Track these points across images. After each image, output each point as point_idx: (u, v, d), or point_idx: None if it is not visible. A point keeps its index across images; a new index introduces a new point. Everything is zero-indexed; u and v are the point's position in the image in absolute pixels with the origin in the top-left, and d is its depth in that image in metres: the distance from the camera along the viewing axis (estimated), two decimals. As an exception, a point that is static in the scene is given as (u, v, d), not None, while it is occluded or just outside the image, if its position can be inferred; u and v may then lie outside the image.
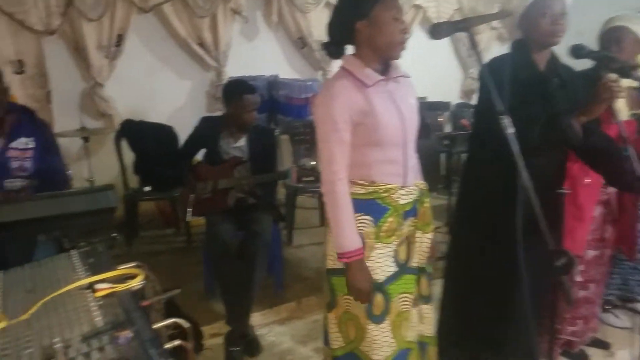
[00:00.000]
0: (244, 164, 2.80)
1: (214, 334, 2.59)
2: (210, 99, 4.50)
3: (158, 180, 3.57)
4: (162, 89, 4.24)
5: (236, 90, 2.72)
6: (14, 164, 2.11)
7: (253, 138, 2.81)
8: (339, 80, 1.51)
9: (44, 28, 3.75)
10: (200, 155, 3.03)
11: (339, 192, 1.48)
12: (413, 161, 1.60)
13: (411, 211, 1.60)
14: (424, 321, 1.71)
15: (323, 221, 4.11)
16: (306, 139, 3.88)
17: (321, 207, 4.14)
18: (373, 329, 1.56)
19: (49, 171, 2.20)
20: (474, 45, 1.40)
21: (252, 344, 2.53)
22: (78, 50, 3.94)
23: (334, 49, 1.58)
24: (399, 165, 1.55)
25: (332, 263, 1.59)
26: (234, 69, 4.32)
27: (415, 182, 1.62)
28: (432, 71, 4.95)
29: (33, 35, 3.76)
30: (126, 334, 0.97)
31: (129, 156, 3.80)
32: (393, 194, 1.54)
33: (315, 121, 1.53)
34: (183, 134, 3.52)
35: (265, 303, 2.83)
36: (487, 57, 1.70)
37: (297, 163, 3.72)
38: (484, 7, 6.03)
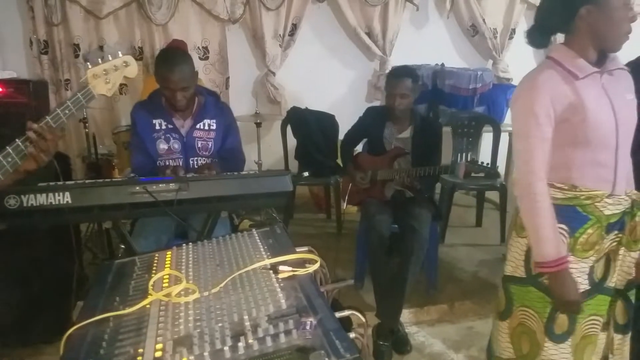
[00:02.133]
0: (405, 156, 2.72)
1: (360, 324, 2.56)
2: (371, 89, 4.50)
3: (315, 166, 3.67)
4: (326, 78, 4.35)
5: (393, 74, 2.65)
6: (199, 144, 2.27)
7: (418, 129, 2.70)
8: (545, 70, 1.36)
9: (228, 17, 4.10)
10: (359, 147, 3.04)
11: (539, 194, 1.33)
12: (626, 166, 1.39)
13: (617, 224, 1.39)
14: (614, 352, 1.49)
15: (480, 221, 3.87)
16: (470, 132, 3.63)
17: (479, 206, 3.89)
18: (550, 348, 1.42)
19: (228, 152, 2.34)
20: None
21: (401, 341, 2.46)
22: (256, 39, 4.23)
23: (540, 36, 1.43)
24: (609, 169, 1.35)
25: (512, 270, 1.49)
26: (398, 58, 4.24)
27: (627, 190, 1.40)
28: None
29: (218, 24, 4.14)
30: (311, 320, 0.95)
31: (291, 142, 3.97)
32: (598, 202, 1.35)
33: (513, 115, 1.40)
34: (343, 122, 3.58)
35: (416, 301, 2.73)
36: None
37: (459, 157, 3.52)
38: None
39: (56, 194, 1.49)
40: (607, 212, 1.36)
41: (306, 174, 3.67)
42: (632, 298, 1.49)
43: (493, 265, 3.18)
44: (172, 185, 1.59)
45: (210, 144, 2.29)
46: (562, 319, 1.41)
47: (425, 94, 4.08)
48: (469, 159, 3.16)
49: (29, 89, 2.48)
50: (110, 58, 1.24)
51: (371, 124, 2.79)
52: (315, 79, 4.32)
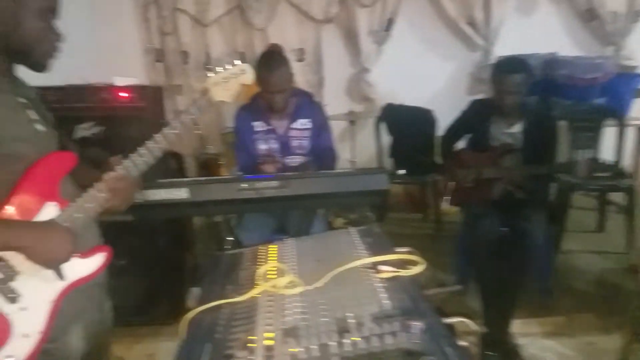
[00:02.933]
0: (514, 153, 2.49)
1: (468, 332, 2.39)
2: (473, 82, 4.24)
3: (411, 164, 3.54)
4: (423, 72, 4.17)
5: (501, 68, 2.44)
6: (294, 143, 2.34)
7: (530, 124, 2.47)
8: None
9: (323, 17, 4.11)
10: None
11: None
12: None
13: None
14: None
15: (602, 226, 3.47)
16: (589, 127, 3.27)
17: (601, 209, 3.49)
18: None
19: (322, 149, 2.38)
20: None
21: (511, 353, 2.27)
22: (350, 37, 4.19)
23: None
24: None
25: None
26: (503, 48, 3.93)
27: None
28: None
29: (313, 24, 4.16)
30: (418, 324, 0.89)
31: (385, 139, 3.87)
32: None
33: None
34: (441, 118, 3.40)
35: (528, 311, 2.49)
36: None
37: (578, 154, 3.18)
38: None
39: (175, 190, 1.64)
40: None
41: (402, 171, 3.56)
42: None
43: (619, 276, 2.84)
44: (273, 183, 1.68)
45: (305, 142, 2.35)
46: None
47: (536, 86, 3.74)
48: (589, 156, 2.84)
49: (148, 94, 2.65)
50: (227, 67, 1.31)
51: (476, 118, 2.61)
52: (411, 74, 4.15)
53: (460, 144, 2.84)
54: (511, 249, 2.35)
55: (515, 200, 2.50)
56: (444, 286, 1.31)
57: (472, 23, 4.07)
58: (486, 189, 2.53)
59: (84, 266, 1.15)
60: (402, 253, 1.25)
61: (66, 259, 1.07)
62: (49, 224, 1.08)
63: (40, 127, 1.17)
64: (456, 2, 4.04)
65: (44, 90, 1.26)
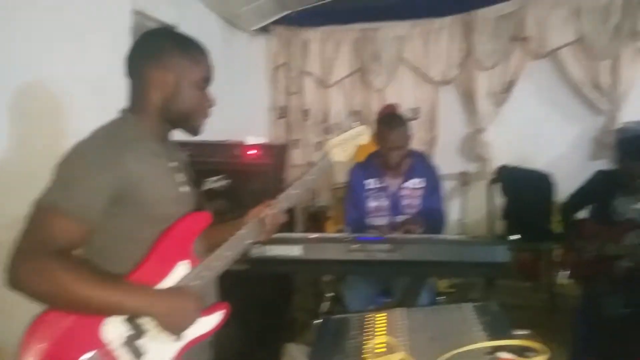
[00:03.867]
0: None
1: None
2: (597, 146, 3.99)
3: (525, 229, 3.40)
4: (544, 134, 4.05)
5: (627, 140, 2.35)
6: (405, 201, 2.38)
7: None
8: None
9: (441, 79, 4.22)
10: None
11: None
12: None
13: None
14: None
15: None
16: None
17: None
18: None
19: (431, 210, 2.38)
20: None
21: None
22: (467, 97, 4.24)
23: None
24: None
25: None
26: (632, 112, 3.71)
27: None
28: None
29: (431, 85, 4.29)
30: None
31: (498, 202, 3.77)
32: None
33: None
34: (562, 182, 3.26)
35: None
36: None
37: None
38: None
39: (290, 246, 1.69)
40: None
41: (516, 236, 3.44)
42: None
43: None
44: (385, 246, 1.68)
45: (415, 201, 2.37)
46: None
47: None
48: None
49: (274, 151, 2.86)
50: (347, 130, 1.37)
51: (600, 189, 2.50)
52: (531, 136, 4.06)
53: (582, 214, 2.72)
54: (635, 331, 2.18)
55: (640, 281, 2.32)
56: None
57: (597, 87, 3.90)
58: (608, 264, 2.38)
59: (205, 324, 1.18)
60: (523, 338, 1.16)
61: (192, 325, 1.13)
62: (179, 292, 1.12)
63: (185, 188, 1.25)
64: (582, 67, 3.91)
65: (181, 145, 1.33)
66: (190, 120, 1.21)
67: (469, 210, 3.89)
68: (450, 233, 2.61)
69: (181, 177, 1.26)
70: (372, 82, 4.34)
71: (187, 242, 1.18)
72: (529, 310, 3.34)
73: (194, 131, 1.23)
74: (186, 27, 1.30)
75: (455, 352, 1.12)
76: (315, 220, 3.75)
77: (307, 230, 3.80)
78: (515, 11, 3.98)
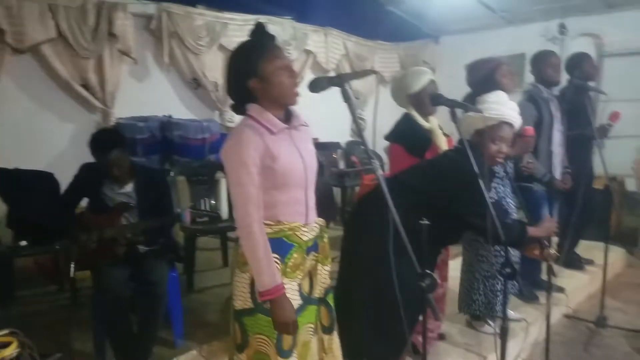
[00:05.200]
0: (131, 210, 2.65)
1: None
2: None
3: (36, 232, 3.25)
4: (41, 133, 3.94)
5: (100, 146, 2.56)
6: None
7: (141, 182, 2.67)
8: (247, 127, 1.57)
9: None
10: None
11: (258, 232, 1.53)
12: (313, 201, 1.71)
13: (313, 246, 1.69)
14: (326, 351, 1.77)
15: (226, 261, 4.02)
16: (204, 180, 3.80)
17: (224, 248, 4.04)
18: (283, 364, 1.59)
19: None
20: (347, 98, 1.56)
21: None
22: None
23: (238, 107, 1.65)
24: (302, 205, 1.64)
25: (242, 304, 1.62)
26: (123, 110, 4.16)
27: (316, 219, 1.72)
28: (323, 113, 5.22)
29: None
30: None
31: (1, 208, 3.41)
32: (297, 231, 1.62)
33: (227, 168, 1.55)
34: (66, 180, 3.26)
35: (166, 357, 2.64)
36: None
37: (195, 204, 3.62)
38: (367, 53, 6.59)
39: None
40: (305, 239, 1.64)
41: (24, 242, 3.21)
42: (331, 302, 1.80)
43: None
44: None
45: None
46: (287, 336, 1.60)
47: (157, 145, 4.09)
48: (198, 206, 3.29)
49: None
50: None
51: (88, 181, 2.64)
52: (27, 135, 3.86)
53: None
54: (140, 301, 2.46)
55: (141, 254, 2.64)
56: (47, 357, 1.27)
57: (86, 85, 4.11)
58: (110, 248, 2.57)
59: None
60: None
61: None
62: None
63: None
64: (67, 64, 3.99)
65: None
66: None
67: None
68: None
69: None
70: None
71: None
72: (55, 313, 3.26)
73: None
74: None
75: None
76: None
77: None
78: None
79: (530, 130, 2.71)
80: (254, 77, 1.55)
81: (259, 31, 1.62)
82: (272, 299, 1.52)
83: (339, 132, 5.97)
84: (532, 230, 2.18)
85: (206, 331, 2.95)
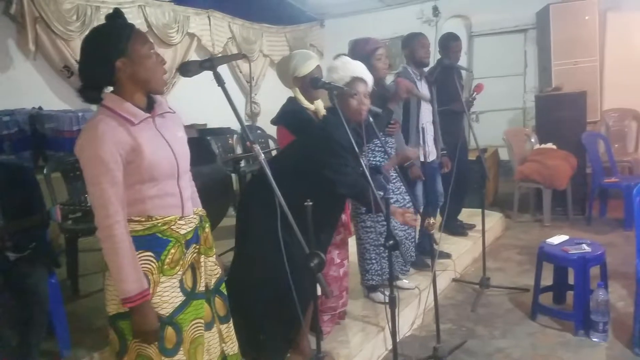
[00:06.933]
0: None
1: None
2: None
3: None
4: None
5: None
6: None
7: (2, 180, 2.41)
8: (102, 119, 1.43)
9: None
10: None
11: (118, 236, 1.41)
12: (189, 191, 1.63)
13: (193, 239, 1.61)
14: (225, 340, 1.73)
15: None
16: (82, 175, 3.49)
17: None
18: (168, 363, 1.53)
19: None
20: (220, 81, 1.53)
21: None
22: None
23: (92, 93, 1.50)
24: (176, 197, 1.56)
25: (117, 308, 1.51)
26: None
27: (195, 210, 1.64)
28: (214, 98, 5.06)
29: None
30: None
31: None
32: (173, 225, 1.54)
33: (82, 164, 1.43)
34: None
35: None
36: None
37: (73, 201, 3.32)
38: (254, 36, 6.54)
39: None
40: (182, 232, 1.55)
41: None
42: (225, 292, 1.75)
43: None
44: None
45: None
46: (170, 334, 1.52)
47: (27, 140, 3.72)
48: (70, 201, 3.04)
49: None
50: None
51: None
52: None
53: None
54: (17, 314, 2.24)
55: (13, 262, 2.38)
56: None
57: None
58: None
59: None
60: None
61: None
62: None
63: None
64: None
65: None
66: None
67: None
68: None
69: None
70: None
71: None
72: None
73: None
74: None
75: None
76: None
77: None
78: None
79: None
80: (122, 56, 1.43)
81: (118, 16, 1.50)
82: (136, 306, 1.43)
83: (234, 117, 5.86)
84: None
85: (96, 338, 2.75)
